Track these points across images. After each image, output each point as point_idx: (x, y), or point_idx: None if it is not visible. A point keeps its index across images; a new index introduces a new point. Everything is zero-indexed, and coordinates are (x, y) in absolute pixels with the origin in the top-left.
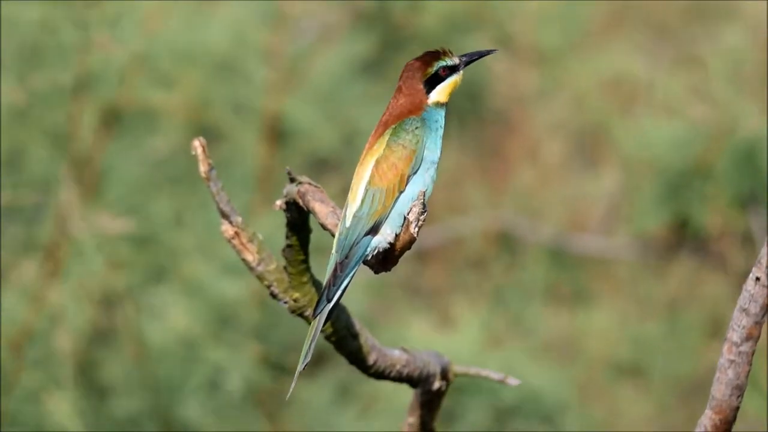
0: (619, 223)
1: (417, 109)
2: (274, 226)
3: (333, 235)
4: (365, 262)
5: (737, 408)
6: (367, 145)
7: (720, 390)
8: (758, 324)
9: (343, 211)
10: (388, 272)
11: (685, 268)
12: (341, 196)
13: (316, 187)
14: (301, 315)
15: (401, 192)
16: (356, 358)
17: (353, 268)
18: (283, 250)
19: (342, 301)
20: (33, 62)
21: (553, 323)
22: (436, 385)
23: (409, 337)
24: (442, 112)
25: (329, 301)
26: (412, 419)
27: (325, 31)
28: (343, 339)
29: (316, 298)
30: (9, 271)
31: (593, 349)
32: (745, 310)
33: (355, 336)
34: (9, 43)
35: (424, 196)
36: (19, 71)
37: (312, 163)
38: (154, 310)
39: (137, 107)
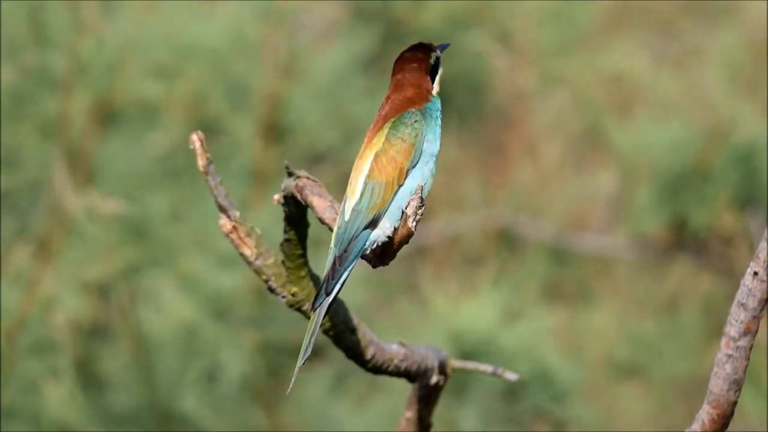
0: (619, 222)
1: (423, 99)
2: (273, 221)
3: (331, 230)
4: (363, 256)
5: (735, 403)
6: (366, 139)
7: (718, 385)
8: (756, 319)
9: (342, 204)
10: (386, 266)
11: (684, 268)
12: (340, 191)
13: (314, 181)
14: (299, 309)
15: (401, 186)
16: (354, 352)
17: (352, 262)
18: (281, 245)
19: (340, 295)
20: (25, 55)
21: (551, 322)
22: (434, 379)
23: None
24: (439, 103)
25: (328, 294)
26: (410, 414)
27: (325, 27)
28: (341, 333)
29: (314, 293)
30: (3, 259)
31: (592, 348)
32: (743, 305)
33: (353, 330)
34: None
35: (422, 190)
36: (11, 63)
37: (310, 158)
38: (151, 303)
39: (135, 101)
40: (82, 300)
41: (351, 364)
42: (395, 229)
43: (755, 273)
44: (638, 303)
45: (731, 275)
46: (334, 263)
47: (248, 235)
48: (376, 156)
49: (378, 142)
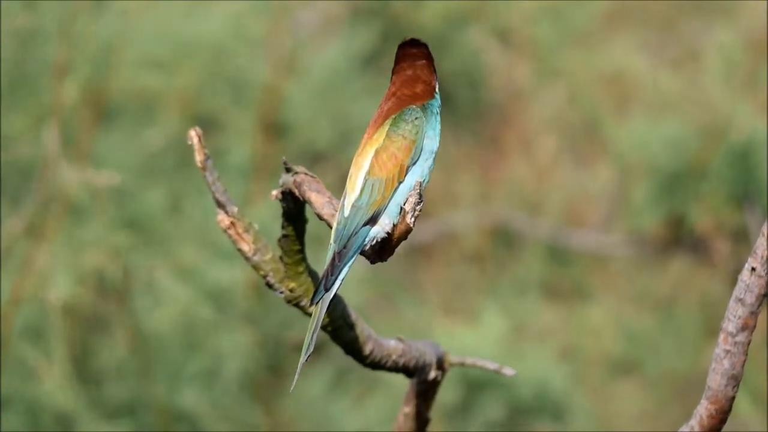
0: (616, 219)
1: (429, 95)
2: (272, 217)
3: (329, 226)
4: (362, 253)
5: (733, 398)
6: (366, 135)
7: (716, 380)
8: (754, 314)
9: (341, 200)
10: (384, 263)
11: (680, 265)
12: (339, 188)
13: (312, 177)
14: (296, 305)
15: (401, 182)
16: (352, 348)
17: (351, 258)
18: (279, 240)
19: (338, 292)
20: (21, 49)
21: (548, 319)
22: (432, 374)
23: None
24: (439, 99)
25: (327, 290)
26: (408, 409)
27: (324, 24)
28: (340, 329)
29: (312, 288)
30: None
31: (589, 345)
32: (740, 300)
33: (351, 326)
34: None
35: (420, 186)
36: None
37: (310, 155)
38: (149, 297)
39: (133, 96)
40: (77, 281)
41: (350, 362)
42: (394, 226)
43: (753, 269)
44: (635, 300)
45: (728, 272)
46: (333, 259)
47: (246, 230)
48: (377, 152)
49: (379, 138)
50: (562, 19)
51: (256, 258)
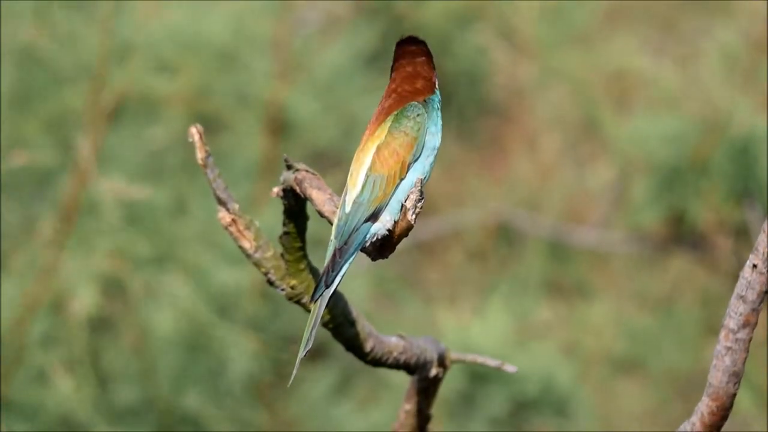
0: (616, 216)
1: (429, 91)
2: (277, 216)
3: (330, 222)
4: (362, 249)
5: (734, 395)
6: (367, 131)
7: (717, 377)
8: (755, 311)
9: (342, 197)
10: (385, 260)
11: (681, 262)
12: (341, 186)
13: (313, 174)
14: (298, 302)
15: (402, 179)
16: (353, 345)
17: (352, 255)
18: (280, 237)
19: (339, 288)
20: (31, 50)
21: (550, 316)
22: (433, 371)
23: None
24: (439, 95)
25: (328, 287)
26: (409, 406)
27: (328, 23)
28: (340, 326)
29: (313, 286)
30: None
31: (590, 343)
32: (742, 297)
33: (352, 323)
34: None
35: (421, 183)
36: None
37: (314, 154)
38: (155, 298)
39: (139, 96)
40: (94, 290)
41: (354, 364)
42: (395, 222)
43: (754, 265)
44: (636, 297)
45: (729, 268)
46: (334, 255)
47: (247, 227)
48: (378, 149)
49: (380, 134)
50: (564, 17)
51: (257, 255)
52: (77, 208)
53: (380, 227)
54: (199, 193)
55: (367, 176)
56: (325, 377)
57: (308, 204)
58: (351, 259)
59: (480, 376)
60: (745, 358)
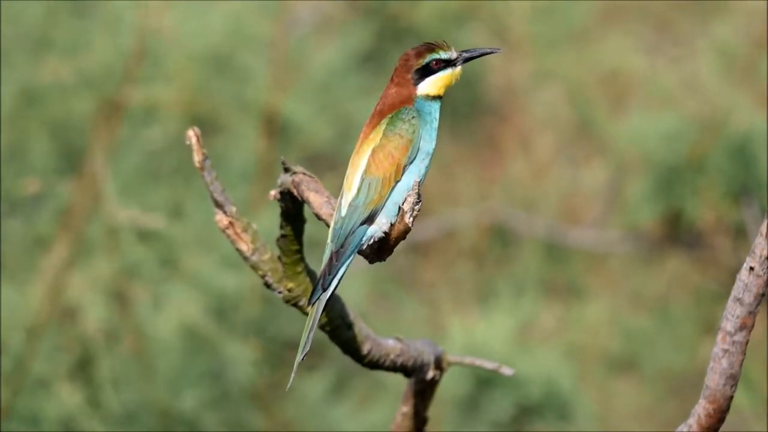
0: (613, 215)
1: (407, 100)
2: (274, 219)
3: (328, 225)
4: (360, 252)
5: (731, 397)
6: (362, 134)
7: (714, 379)
8: (752, 314)
9: (339, 200)
10: (383, 262)
11: (678, 261)
12: (338, 188)
13: (310, 177)
14: (295, 305)
15: (397, 181)
16: (350, 347)
17: (349, 257)
18: (278, 240)
19: (336, 291)
20: (33, 55)
21: (546, 316)
22: (430, 374)
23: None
24: (435, 105)
25: (324, 290)
26: (406, 408)
27: (323, 24)
28: (338, 328)
29: (310, 288)
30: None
31: (586, 342)
32: (738, 300)
33: (349, 326)
34: (11, 36)
35: (418, 185)
36: (19, 64)
37: (311, 157)
38: (154, 303)
39: (136, 100)
40: (103, 303)
41: (351, 366)
42: (392, 225)
43: (751, 268)
44: (631, 296)
45: (725, 268)
46: (330, 258)
47: (244, 230)
48: (374, 151)
49: (375, 137)
50: (558, 17)
51: (254, 258)
52: (84, 219)
53: (376, 229)
54: (197, 195)
55: (362, 179)
56: (323, 380)
57: (305, 207)
58: (348, 262)
59: (484, 380)
60: (742, 361)
